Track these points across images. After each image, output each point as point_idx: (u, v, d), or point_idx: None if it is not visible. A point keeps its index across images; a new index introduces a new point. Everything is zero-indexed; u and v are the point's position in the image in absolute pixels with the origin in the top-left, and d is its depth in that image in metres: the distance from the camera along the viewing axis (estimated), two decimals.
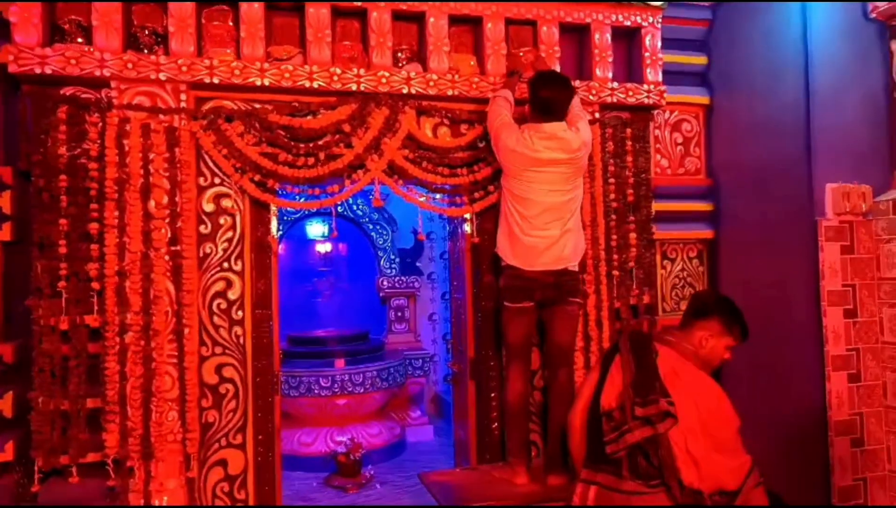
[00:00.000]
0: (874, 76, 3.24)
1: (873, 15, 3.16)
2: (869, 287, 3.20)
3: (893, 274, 3.14)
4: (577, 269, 3.05)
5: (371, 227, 6.67)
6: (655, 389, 2.16)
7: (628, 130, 3.42)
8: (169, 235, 2.80)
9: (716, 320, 2.30)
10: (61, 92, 2.73)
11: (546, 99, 2.90)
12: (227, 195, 2.95)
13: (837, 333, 3.15)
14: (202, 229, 2.91)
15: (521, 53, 3.31)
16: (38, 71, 2.65)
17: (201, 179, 2.92)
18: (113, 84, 2.76)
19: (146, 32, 2.90)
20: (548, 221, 2.91)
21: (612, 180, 3.37)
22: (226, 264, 2.94)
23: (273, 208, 3.06)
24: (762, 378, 3.46)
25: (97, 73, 2.72)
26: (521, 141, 2.87)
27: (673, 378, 2.19)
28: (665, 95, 3.46)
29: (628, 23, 3.41)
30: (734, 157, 3.69)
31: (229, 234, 2.95)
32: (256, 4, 2.92)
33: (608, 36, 3.38)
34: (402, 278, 6.61)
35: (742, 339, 2.32)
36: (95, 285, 2.72)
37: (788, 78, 3.27)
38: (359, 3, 3.05)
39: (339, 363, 5.53)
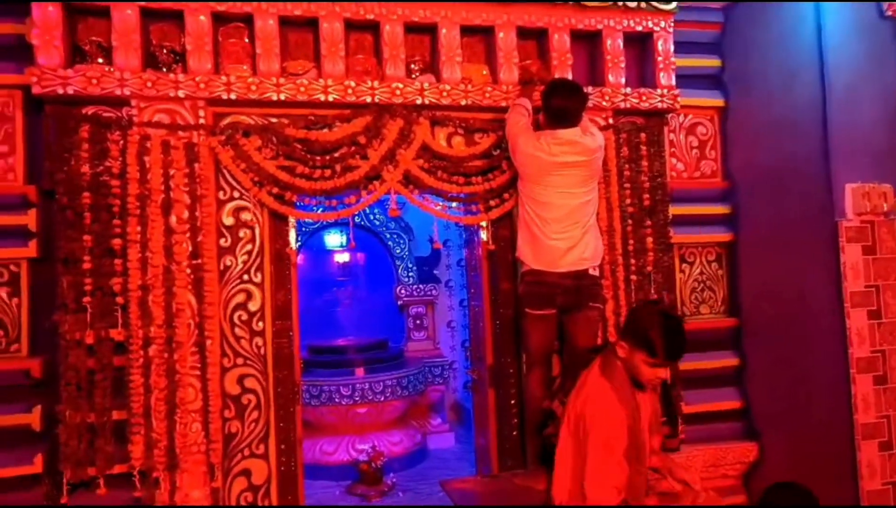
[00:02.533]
0: (890, 75, 3.20)
1: (889, 13, 3.13)
2: (893, 288, 3.15)
3: None
4: (597, 273, 3.05)
5: (388, 236, 6.70)
6: (566, 393, 2.43)
7: (643, 135, 3.41)
8: (190, 248, 2.85)
9: (627, 334, 2.33)
10: (83, 111, 2.80)
11: (559, 107, 2.92)
12: (246, 208, 3.00)
13: (861, 335, 3.10)
14: (222, 242, 2.96)
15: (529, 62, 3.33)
16: (60, 91, 2.72)
17: (220, 194, 2.97)
18: (133, 102, 2.82)
19: (164, 51, 2.96)
20: (568, 223, 2.92)
21: (627, 185, 3.37)
22: (246, 277, 2.98)
23: (291, 220, 3.10)
24: (786, 381, 3.42)
25: (118, 92, 2.78)
26: (539, 147, 2.89)
27: (579, 387, 2.34)
28: (679, 98, 3.45)
29: (640, 28, 3.41)
30: (751, 159, 3.66)
31: (249, 246, 2.99)
32: (271, 21, 2.97)
33: (620, 42, 3.39)
34: (420, 286, 6.62)
35: (655, 357, 2.20)
36: (119, 299, 2.78)
37: (803, 78, 3.25)
38: (371, 17, 3.09)
39: (359, 371, 5.55)
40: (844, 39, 3.14)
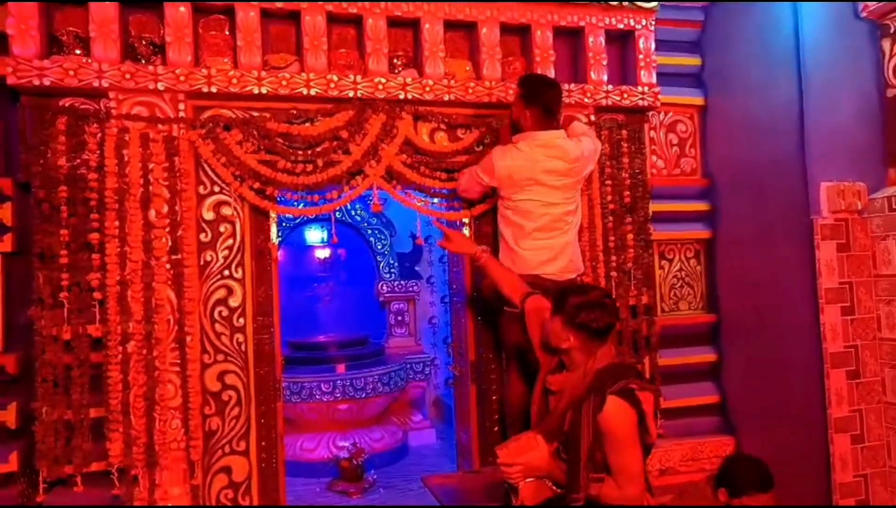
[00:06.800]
0: (866, 75, 3.25)
1: (864, 14, 3.18)
2: (866, 284, 3.21)
3: (890, 271, 3.15)
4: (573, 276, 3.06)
5: (370, 232, 6.68)
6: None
7: (624, 132, 3.44)
8: (169, 243, 2.81)
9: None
10: (60, 103, 2.75)
11: (551, 100, 2.92)
12: (226, 203, 2.97)
13: (835, 330, 3.16)
14: (202, 237, 2.93)
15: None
16: (36, 83, 2.66)
17: (201, 188, 2.94)
18: (111, 95, 2.78)
19: (143, 43, 2.92)
20: (547, 232, 2.90)
21: (608, 182, 3.39)
22: (226, 272, 2.96)
23: (272, 215, 3.08)
24: (762, 376, 3.48)
25: (95, 83, 2.74)
26: (517, 154, 2.86)
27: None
28: (659, 96, 3.49)
29: (622, 25, 3.44)
30: (729, 157, 3.71)
31: (229, 241, 2.97)
32: (253, 13, 2.94)
33: (602, 39, 3.41)
34: (402, 282, 6.61)
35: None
36: (97, 294, 2.74)
37: (781, 78, 3.29)
38: (354, 11, 3.07)
39: (340, 368, 5.53)
40: (821, 39, 3.20)
